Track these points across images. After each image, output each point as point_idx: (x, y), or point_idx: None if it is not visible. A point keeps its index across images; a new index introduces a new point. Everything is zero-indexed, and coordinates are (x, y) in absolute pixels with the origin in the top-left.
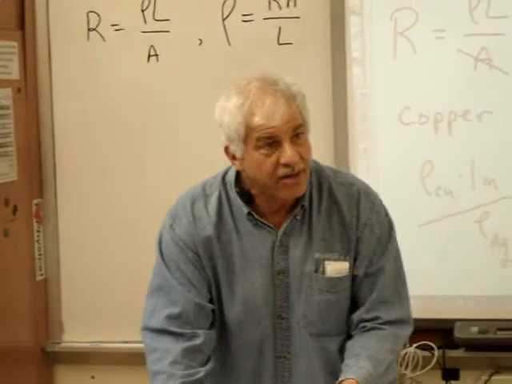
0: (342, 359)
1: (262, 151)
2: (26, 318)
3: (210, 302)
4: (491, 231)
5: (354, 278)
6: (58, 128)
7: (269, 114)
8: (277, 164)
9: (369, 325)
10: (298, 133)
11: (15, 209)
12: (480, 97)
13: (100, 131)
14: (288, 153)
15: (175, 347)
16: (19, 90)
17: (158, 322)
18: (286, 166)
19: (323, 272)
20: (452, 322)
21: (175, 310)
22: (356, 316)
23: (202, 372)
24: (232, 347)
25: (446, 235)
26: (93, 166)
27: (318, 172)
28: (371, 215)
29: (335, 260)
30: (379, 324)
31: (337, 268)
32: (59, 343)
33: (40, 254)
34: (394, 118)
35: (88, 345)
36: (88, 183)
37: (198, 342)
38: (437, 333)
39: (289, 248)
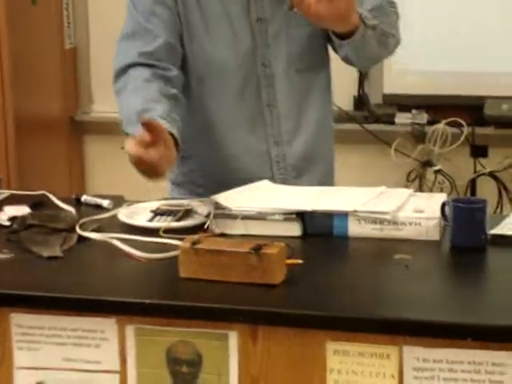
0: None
1: None
2: (55, 87)
3: (181, 47)
4: None
5: None
6: None
7: None
8: None
9: None
10: None
11: None
12: None
13: None
14: None
15: (147, 71)
16: None
17: (130, 58)
18: None
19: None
20: (482, 99)
21: (148, 48)
22: None
23: (175, 90)
24: (220, 98)
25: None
26: None
27: None
28: None
29: None
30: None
31: None
32: (89, 113)
33: (69, 23)
34: None
35: (118, 115)
36: None
37: (170, 73)
38: (467, 110)
39: None
